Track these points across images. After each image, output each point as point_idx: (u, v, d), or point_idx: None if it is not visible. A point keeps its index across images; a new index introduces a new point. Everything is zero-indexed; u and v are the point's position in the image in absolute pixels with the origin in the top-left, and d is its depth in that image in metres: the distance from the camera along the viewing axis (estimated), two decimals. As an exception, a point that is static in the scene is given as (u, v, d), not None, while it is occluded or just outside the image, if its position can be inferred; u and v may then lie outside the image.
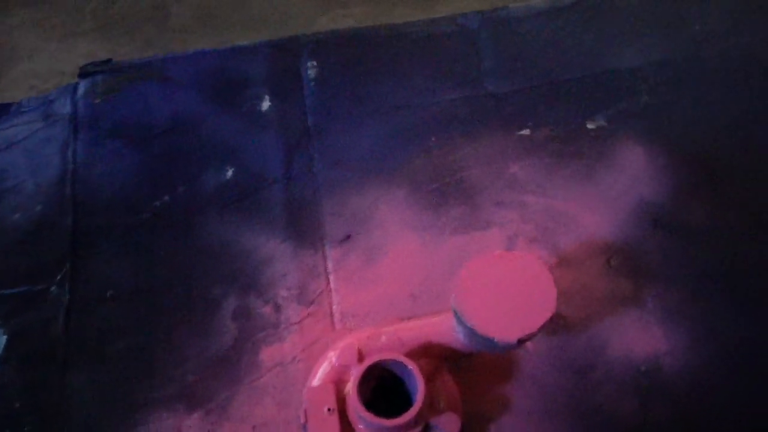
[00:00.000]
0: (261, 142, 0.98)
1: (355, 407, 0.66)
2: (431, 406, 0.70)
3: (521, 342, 0.66)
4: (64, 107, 1.02)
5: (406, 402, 0.69)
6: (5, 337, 0.83)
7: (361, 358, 0.74)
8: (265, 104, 1.01)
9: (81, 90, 1.03)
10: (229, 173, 0.96)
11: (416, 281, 0.87)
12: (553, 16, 1.07)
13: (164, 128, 0.99)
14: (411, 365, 0.67)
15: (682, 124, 0.96)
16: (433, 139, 0.99)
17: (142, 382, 0.80)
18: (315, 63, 1.05)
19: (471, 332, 0.67)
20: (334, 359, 0.73)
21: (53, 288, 0.86)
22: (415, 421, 0.67)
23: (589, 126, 0.98)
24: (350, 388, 0.71)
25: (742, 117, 0.96)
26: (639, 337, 0.81)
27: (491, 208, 0.93)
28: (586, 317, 0.83)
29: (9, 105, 1.05)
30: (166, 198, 0.94)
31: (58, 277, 0.87)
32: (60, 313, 0.84)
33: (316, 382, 0.74)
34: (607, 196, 0.92)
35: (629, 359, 0.79)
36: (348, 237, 0.91)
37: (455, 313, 0.68)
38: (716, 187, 0.91)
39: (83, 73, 1.04)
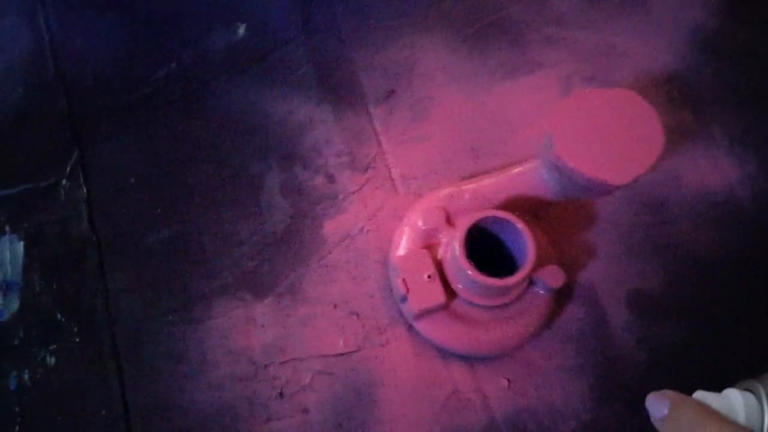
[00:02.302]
0: (271, -11, 0.84)
1: (464, 268, 0.61)
2: (532, 260, 0.66)
3: (634, 181, 0.61)
4: (15, -36, 0.82)
5: (497, 260, 0.66)
6: (22, 243, 0.71)
7: (448, 219, 0.68)
8: (270, -56, 0.85)
9: (34, -61, 0.83)
10: (241, 30, 0.82)
11: (473, 134, 0.80)
12: None
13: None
14: (519, 223, 0.62)
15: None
16: (464, -26, 0.88)
17: (195, 273, 0.72)
18: None
19: (573, 179, 0.62)
20: (419, 223, 0.67)
21: (64, 182, 0.74)
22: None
23: (634, -53, 0.89)
24: (444, 251, 0.66)
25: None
26: (710, 168, 0.78)
27: (539, 49, 0.84)
28: (654, 154, 0.79)
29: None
30: (171, 67, 0.80)
31: (68, 170, 0.74)
32: (81, 209, 0.73)
33: (401, 250, 0.68)
34: (659, 24, 0.86)
35: (702, 192, 0.77)
36: (392, 92, 0.81)
37: (554, 161, 0.62)
38: (758, 9, 0.86)
39: None
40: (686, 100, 0.82)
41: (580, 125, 0.62)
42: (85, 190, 0.73)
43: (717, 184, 0.78)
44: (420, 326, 0.67)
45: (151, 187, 0.75)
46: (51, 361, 0.67)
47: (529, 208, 0.70)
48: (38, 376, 0.67)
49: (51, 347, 0.68)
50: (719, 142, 0.80)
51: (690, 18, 0.85)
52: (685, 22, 0.85)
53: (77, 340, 0.68)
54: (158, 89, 0.80)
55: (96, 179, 0.74)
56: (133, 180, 0.75)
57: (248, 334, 0.69)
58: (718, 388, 0.68)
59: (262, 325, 0.69)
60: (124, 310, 0.71)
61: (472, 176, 0.74)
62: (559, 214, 0.75)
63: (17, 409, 0.66)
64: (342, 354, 0.68)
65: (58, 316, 0.69)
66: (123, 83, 0.79)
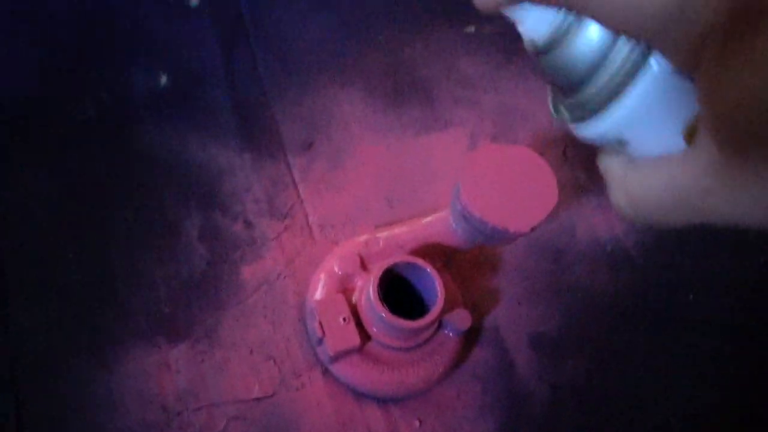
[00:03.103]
0: (193, 37, 0.86)
1: (378, 311, 0.63)
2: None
3: (532, 230, 0.67)
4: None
5: (408, 304, 0.69)
6: None
7: (363, 265, 0.71)
8: (193, -5, 0.88)
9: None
10: (163, 74, 0.83)
11: (388, 185, 0.84)
12: None
13: (72, 18, 0.83)
14: (428, 267, 0.66)
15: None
16: (381, 35, 0.94)
17: (107, 315, 0.71)
18: (242, -53, 0.92)
19: (479, 227, 0.67)
20: (336, 269, 0.70)
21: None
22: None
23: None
24: (359, 295, 0.69)
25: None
26: (600, 220, 0.86)
27: (449, 107, 0.91)
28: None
29: None
30: (93, 103, 0.80)
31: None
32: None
33: (318, 295, 0.70)
34: (554, 89, 0.95)
35: (595, 241, 0.85)
36: (311, 144, 0.84)
37: (461, 210, 0.67)
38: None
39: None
40: (579, 159, 0.90)
41: (484, 178, 0.68)
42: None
43: (607, 234, 0.86)
44: (336, 369, 0.68)
45: (65, 223, 0.74)
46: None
47: (439, 255, 0.75)
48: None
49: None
50: (607, 198, 0.88)
51: (581, 85, 0.95)
52: (577, 89, 0.95)
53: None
54: (79, 125, 0.79)
55: (6, 211, 0.72)
56: (46, 215, 0.73)
57: (161, 379, 0.68)
58: (620, 425, 0.74)
59: (177, 371, 0.68)
60: (27, 350, 0.68)
61: (386, 225, 0.78)
62: (468, 261, 0.80)
63: None
64: (257, 399, 0.68)
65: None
66: (42, 114, 0.78)
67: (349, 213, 0.81)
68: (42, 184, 0.75)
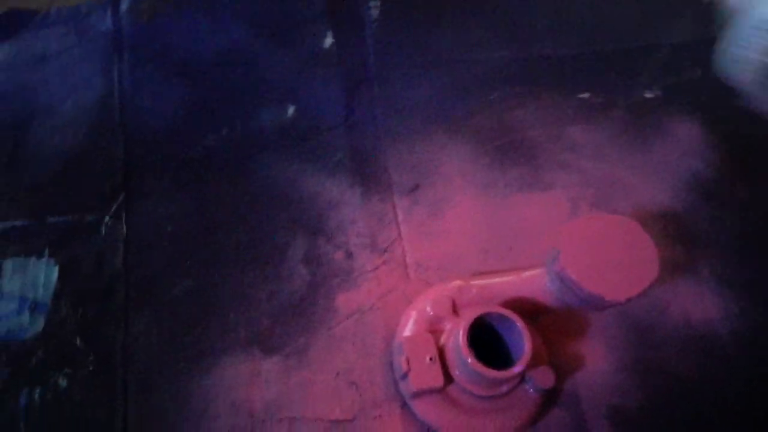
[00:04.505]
0: (322, 81, 0.94)
1: (464, 357, 0.66)
2: (526, 359, 0.71)
3: (628, 301, 0.68)
4: (102, 23, 0.92)
5: (494, 354, 0.71)
6: (56, 267, 0.76)
7: (454, 309, 0.74)
8: (328, 41, 0.96)
9: (124, 6, 0.93)
10: (290, 112, 0.91)
11: (484, 237, 0.87)
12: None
13: (217, 60, 0.93)
14: (519, 322, 0.68)
15: (727, 101, 1.00)
16: (493, 95, 0.98)
17: (211, 326, 0.77)
18: (377, 3, 1.00)
19: (574, 290, 0.68)
20: (428, 309, 0.73)
21: (108, 219, 0.80)
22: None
23: (647, 95, 1.01)
24: (447, 338, 0.71)
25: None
26: (695, 302, 0.85)
27: (553, 170, 0.93)
28: (646, 281, 0.86)
29: (32, 13, 0.94)
30: (222, 134, 0.88)
31: (114, 208, 0.81)
32: (118, 247, 0.78)
33: (407, 332, 0.73)
34: (661, 166, 0.95)
35: (687, 323, 0.84)
36: (416, 187, 0.89)
37: (558, 272, 0.69)
38: (755, 164, 0.96)
39: (126, -13, 0.94)
40: (680, 237, 0.90)
41: (585, 244, 0.69)
42: (125, 230, 0.79)
43: (700, 318, 0.84)
44: (415, 405, 0.71)
45: (184, 239, 0.81)
46: (63, 383, 0.70)
47: (529, 310, 0.76)
48: (48, 396, 0.70)
49: (65, 371, 0.71)
50: (706, 281, 0.87)
51: (689, 166, 0.95)
52: (684, 169, 0.95)
53: (91, 368, 0.72)
54: (207, 153, 0.88)
55: (136, 223, 0.81)
56: (169, 230, 0.81)
57: (252, 388, 0.72)
58: None
59: (266, 381, 0.73)
60: (140, 349, 0.75)
61: (480, 274, 0.80)
62: (556, 321, 0.81)
63: (22, 425, 0.69)
64: (337, 420, 0.72)
65: (78, 342, 0.73)
66: (177, 142, 0.87)
67: (445, 258, 0.85)
68: (167, 207, 0.83)
